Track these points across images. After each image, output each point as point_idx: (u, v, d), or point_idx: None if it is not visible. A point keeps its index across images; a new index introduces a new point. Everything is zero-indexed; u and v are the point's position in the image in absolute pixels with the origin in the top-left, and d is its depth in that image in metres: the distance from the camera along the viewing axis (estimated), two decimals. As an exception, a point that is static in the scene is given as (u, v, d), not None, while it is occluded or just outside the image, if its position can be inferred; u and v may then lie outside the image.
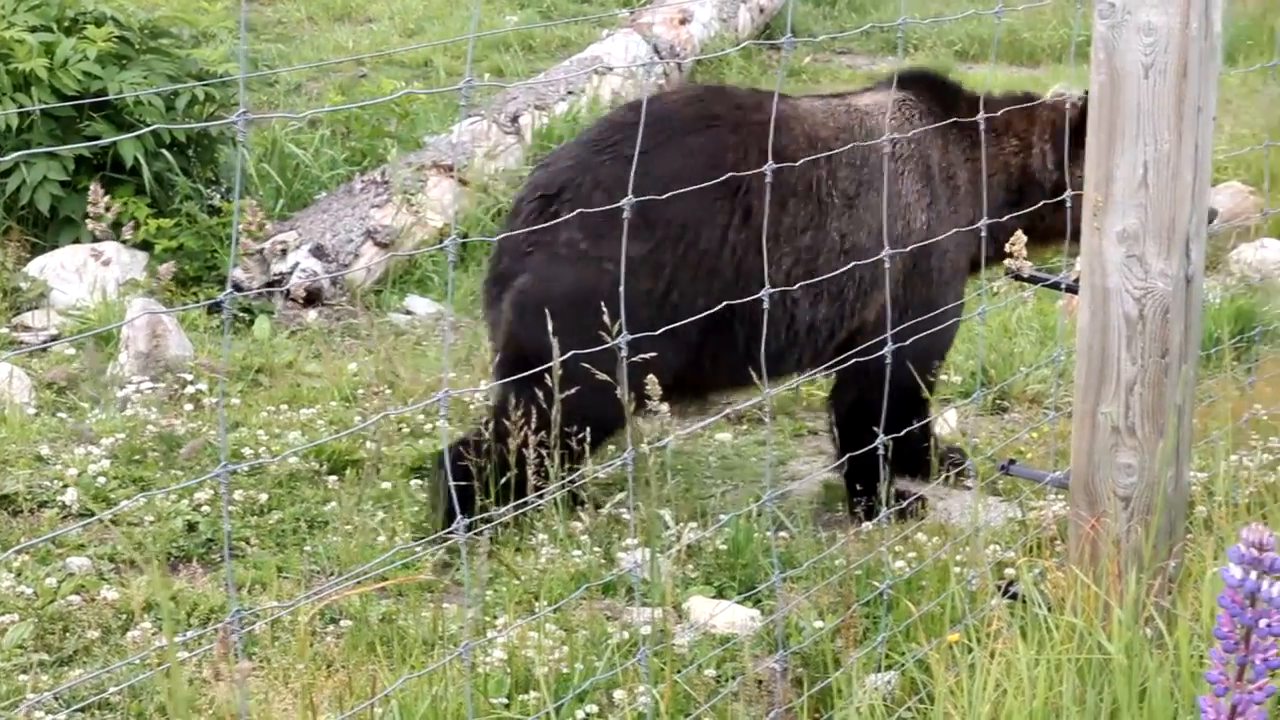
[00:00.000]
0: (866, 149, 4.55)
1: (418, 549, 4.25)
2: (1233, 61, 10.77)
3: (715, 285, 4.38)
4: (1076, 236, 3.50)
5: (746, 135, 4.43)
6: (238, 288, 6.68)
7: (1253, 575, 1.67)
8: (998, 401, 5.75)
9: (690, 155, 4.40)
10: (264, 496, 4.67)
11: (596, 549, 4.30)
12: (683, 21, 10.99)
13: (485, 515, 3.85)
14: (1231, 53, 11.16)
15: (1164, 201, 3.22)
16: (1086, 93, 4.46)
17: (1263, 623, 1.66)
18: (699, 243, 4.42)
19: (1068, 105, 4.68)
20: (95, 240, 6.33)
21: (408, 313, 6.97)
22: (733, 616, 3.98)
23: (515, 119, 8.63)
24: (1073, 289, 3.46)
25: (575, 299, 4.16)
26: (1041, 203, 4.63)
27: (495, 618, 3.94)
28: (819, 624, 3.78)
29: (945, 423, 5.44)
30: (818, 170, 4.50)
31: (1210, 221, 5.32)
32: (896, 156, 4.62)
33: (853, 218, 4.55)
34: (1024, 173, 4.83)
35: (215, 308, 5.42)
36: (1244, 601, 1.68)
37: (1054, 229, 4.62)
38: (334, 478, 4.83)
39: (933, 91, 4.81)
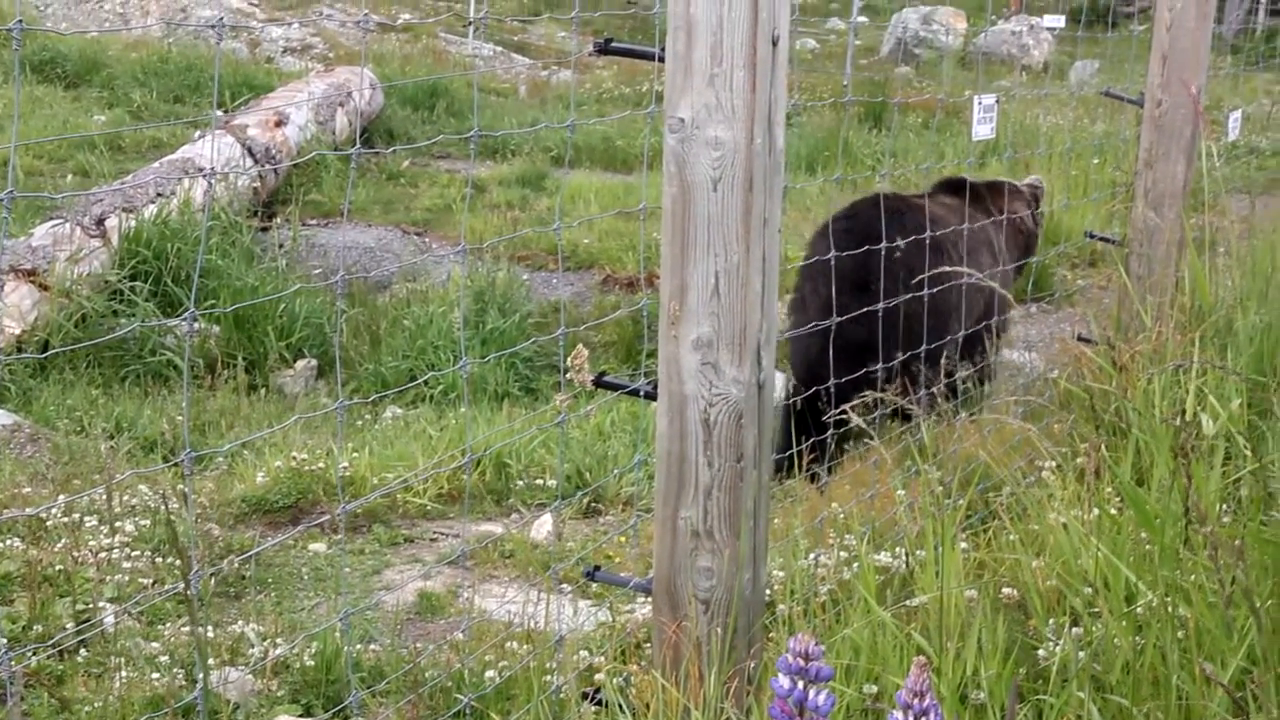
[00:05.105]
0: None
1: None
2: (813, 172, 11.30)
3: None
4: None
5: (957, 210, 6.35)
6: None
7: (800, 684, 1.70)
8: (592, 504, 5.80)
9: (929, 219, 5.95)
10: None
11: (178, 670, 4.13)
12: (279, 124, 10.86)
13: (50, 640, 3.65)
14: (811, 163, 11.72)
15: (736, 310, 3.29)
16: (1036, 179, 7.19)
17: (811, 730, 1.68)
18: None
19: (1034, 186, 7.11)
20: None
21: (-19, 424, 6.62)
22: (319, 735, 3.87)
23: (101, 221, 8.35)
24: (650, 395, 3.50)
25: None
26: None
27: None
28: (407, 739, 3.70)
29: (539, 528, 5.47)
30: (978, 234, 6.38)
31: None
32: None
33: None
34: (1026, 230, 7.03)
35: None
36: (793, 710, 1.70)
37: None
38: (-110, 604, 4.51)
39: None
